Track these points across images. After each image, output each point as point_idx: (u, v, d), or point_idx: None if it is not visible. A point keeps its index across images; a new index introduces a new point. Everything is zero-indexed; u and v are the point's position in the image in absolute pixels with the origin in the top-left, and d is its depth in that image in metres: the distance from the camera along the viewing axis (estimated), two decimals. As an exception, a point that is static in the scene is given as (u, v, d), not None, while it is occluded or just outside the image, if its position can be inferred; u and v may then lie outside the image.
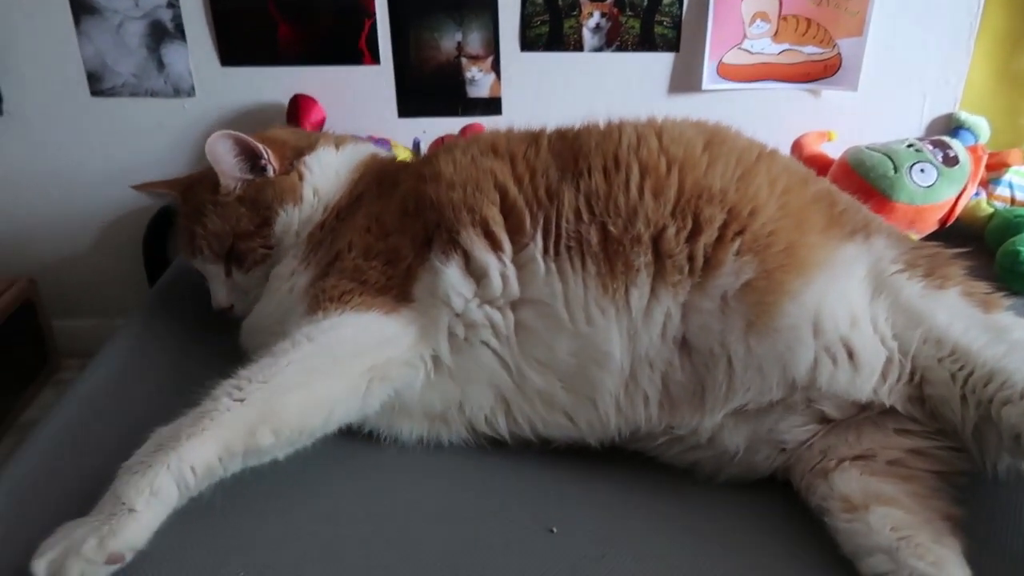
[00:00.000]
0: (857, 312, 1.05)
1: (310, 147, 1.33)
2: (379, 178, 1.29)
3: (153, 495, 0.87)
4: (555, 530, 1.01)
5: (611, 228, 1.07)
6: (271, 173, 1.30)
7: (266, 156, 1.29)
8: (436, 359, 1.11)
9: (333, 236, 1.21)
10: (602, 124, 1.21)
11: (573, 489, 1.10)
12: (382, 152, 1.43)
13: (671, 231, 1.06)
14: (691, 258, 1.06)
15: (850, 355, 1.03)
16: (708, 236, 1.06)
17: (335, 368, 1.04)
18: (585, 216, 1.08)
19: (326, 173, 1.30)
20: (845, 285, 1.06)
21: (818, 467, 1.04)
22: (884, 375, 1.04)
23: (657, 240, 1.06)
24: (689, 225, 1.06)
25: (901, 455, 1.04)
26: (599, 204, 1.08)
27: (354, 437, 1.14)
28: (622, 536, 1.01)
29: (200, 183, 1.33)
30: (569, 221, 1.09)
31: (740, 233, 1.06)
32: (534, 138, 1.20)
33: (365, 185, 1.29)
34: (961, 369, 1.00)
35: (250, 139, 1.28)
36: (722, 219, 1.06)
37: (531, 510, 1.05)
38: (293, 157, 1.31)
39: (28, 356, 2.02)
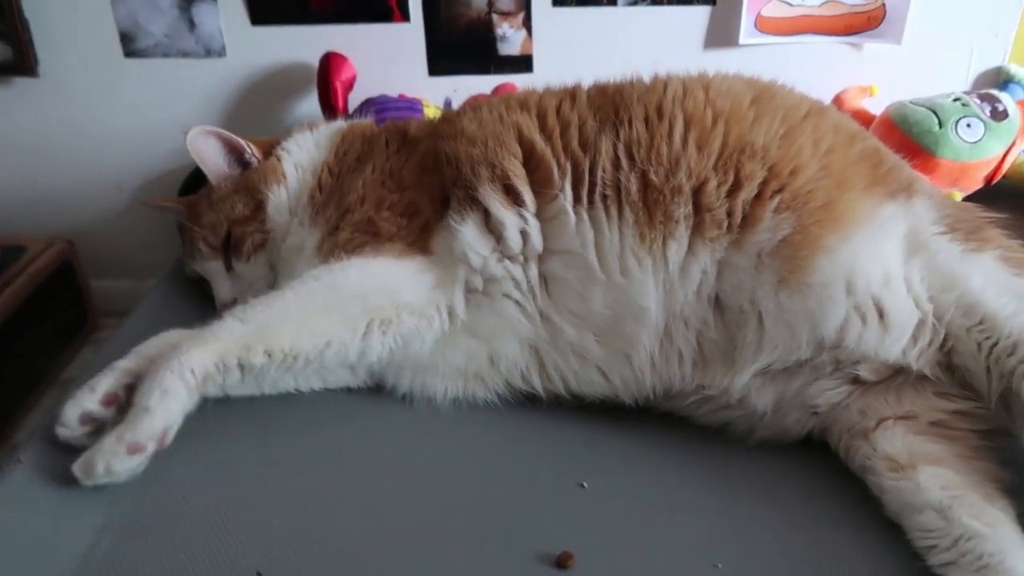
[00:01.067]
0: (891, 271, 1.02)
1: (287, 136, 1.37)
2: (365, 136, 1.30)
3: (163, 394, 0.95)
4: (586, 484, 1.01)
5: (652, 176, 1.05)
6: (255, 164, 1.34)
7: (249, 150, 1.35)
8: (452, 314, 1.11)
9: (339, 194, 1.21)
10: (646, 78, 1.19)
11: (604, 444, 1.09)
12: (361, 120, 1.43)
13: (712, 184, 1.04)
14: (730, 214, 1.04)
15: (880, 315, 1.01)
16: (747, 192, 1.04)
17: (335, 306, 1.06)
18: (625, 164, 1.07)
19: (305, 148, 1.33)
20: (882, 243, 1.03)
21: (858, 428, 1.03)
22: (915, 338, 1.01)
23: (698, 193, 1.05)
24: (730, 180, 1.04)
25: (944, 416, 1.02)
26: (640, 152, 1.06)
27: (388, 396, 1.16)
28: (653, 490, 1.01)
29: (203, 196, 1.36)
30: (606, 170, 1.07)
31: (779, 191, 1.04)
32: (570, 93, 1.18)
33: (349, 144, 1.30)
34: (988, 339, 0.98)
35: (231, 135, 1.34)
36: (762, 176, 1.04)
37: (562, 465, 1.05)
38: (273, 146, 1.36)
39: (67, 316, 2.06)
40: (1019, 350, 0.95)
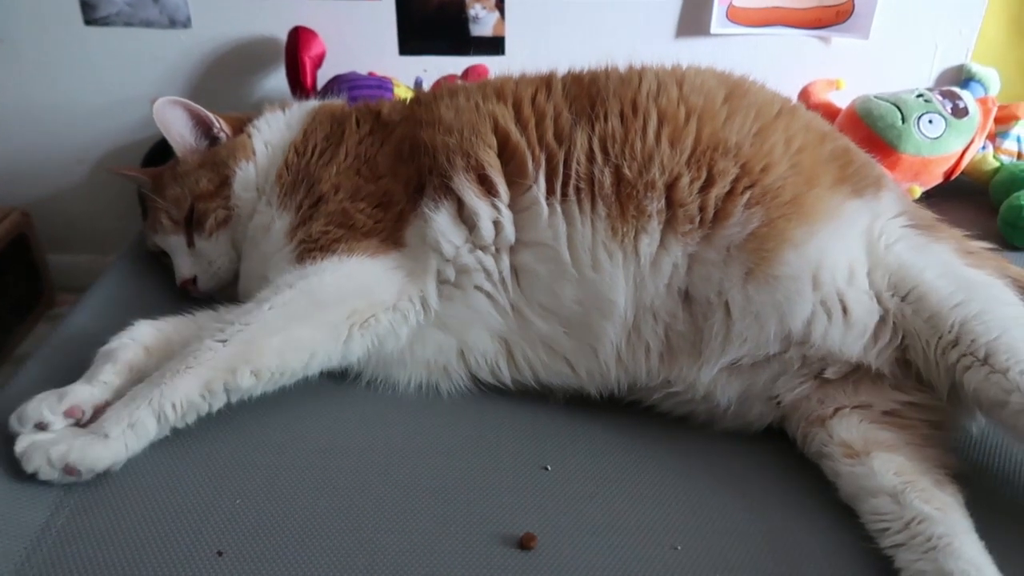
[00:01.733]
0: (855, 265, 1.04)
1: (257, 114, 1.35)
2: (335, 117, 1.28)
3: (130, 427, 0.93)
4: (549, 468, 1.02)
5: (626, 171, 1.06)
6: (224, 139, 1.32)
7: (218, 124, 1.32)
8: (425, 305, 1.10)
9: (310, 178, 1.19)
10: (621, 68, 1.18)
11: (568, 428, 1.10)
12: (333, 101, 1.40)
13: (685, 180, 1.05)
14: (702, 209, 1.05)
15: (844, 311, 1.03)
16: (720, 189, 1.05)
17: (315, 314, 1.05)
18: (599, 158, 1.07)
19: (275, 127, 1.31)
20: (849, 239, 1.05)
21: (815, 415, 1.05)
22: (875, 336, 1.04)
23: (671, 188, 1.05)
24: (703, 176, 1.05)
25: (897, 407, 1.04)
26: (615, 147, 1.07)
27: (352, 379, 1.15)
28: (615, 475, 1.02)
29: (168, 168, 1.34)
30: (580, 163, 1.07)
31: (750, 187, 1.05)
32: (545, 82, 1.18)
33: (319, 123, 1.28)
34: (935, 333, 1.00)
35: (200, 108, 1.31)
36: (735, 173, 1.05)
37: (526, 447, 1.06)
38: (243, 123, 1.33)
39: (23, 290, 2.00)
40: (961, 343, 0.97)
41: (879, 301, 1.04)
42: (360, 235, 1.11)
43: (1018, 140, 1.82)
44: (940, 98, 1.73)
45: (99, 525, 0.88)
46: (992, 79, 1.93)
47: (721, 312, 1.05)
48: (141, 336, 1.08)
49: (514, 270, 1.10)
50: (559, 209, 1.08)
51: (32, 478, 0.91)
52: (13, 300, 1.97)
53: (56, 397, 0.97)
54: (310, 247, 1.12)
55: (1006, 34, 1.98)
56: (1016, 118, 1.81)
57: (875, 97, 1.74)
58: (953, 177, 1.76)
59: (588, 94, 1.12)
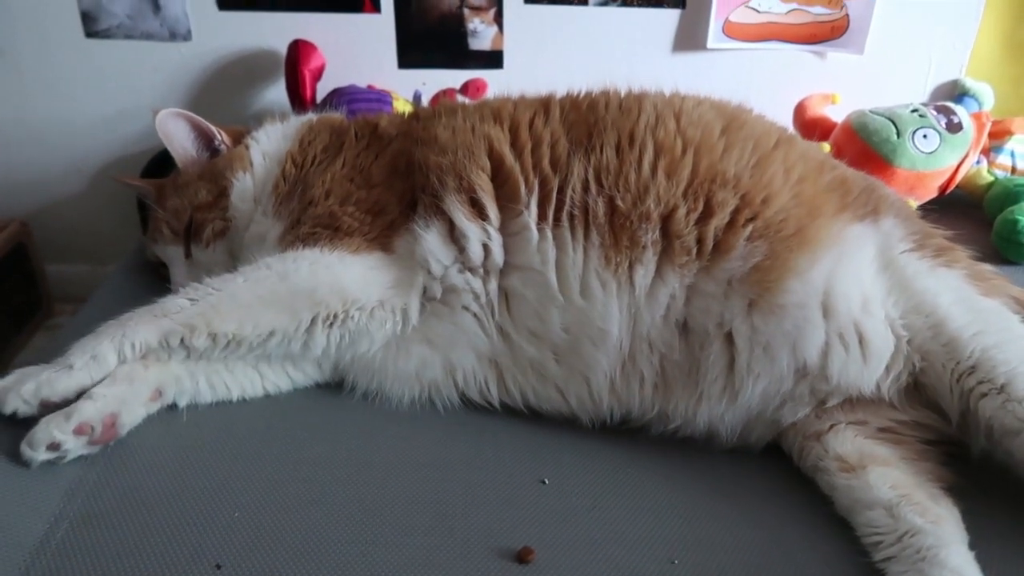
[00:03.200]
0: (868, 293, 1.04)
1: (257, 126, 1.38)
2: (333, 129, 1.30)
3: (93, 359, 0.99)
4: (547, 481, 1.02)
5: (619, 203, 1.06)
6: (224, 151, 1.34)
7: (219, 137, 1.34)
8: (405, 318, 1.11)
9: (304, 186, 1.20)
10: (621, 92, 1.19)
11: (565, 441, 1.10)
12: (331, 114, 1.42)
13: (681, 211, 1.05)
14: (700, 241, 1.05)
15: (861, 341, 1.03)
16: (719, 219, 1.05)
17: (283, 297, 1.06)
18: (593, 188, 1.07)
19: (273, 138, 1.33)
20: (856, 265, 1.05)
21: (812, 431, 1.05)
22: (888, 369, 1.04)
23: (667, 219, 1.06)
24: (700, 207, 1.06)
25: (892, 424, 1.05)
26: (608, 179, 1.07)
27: (348, 391, 1.15)
28: (612, 488, 1.02)
29: (170, 180, 1.35)
30: (576, 191, 1.07)
31: (752, 219, 1.05)
32: (544, 105, 1.18)
33: (315, 134, 1.29)
34: (951, 359, 1.01)
35: (202, 120, 1.33)
36: (735, 204, 1.06)
37: (523, 461, 1.06)
38: (243, 135, 1.36)
39: (21, 300, 2.01)
40: (979, 370, 0.99)
41: (894, 330, 1.04)
42: (344, 234, 1.12)
43: (1012, 155, 1.83)
44: (935, 113, 1.74)
45: (98, 538, 0.88)
46: (986, 94, 1.96)
47: (719, 343, 1.05)
48: None
49: (502, 293, 1.11)
50: (550, 235, 1.08)
51: (33, 490, 0.91)
52: (11, 310, 1.97)
53: (63, 417, 0.95)
54: (295, 243, 1.13)
55: (999, 50, 2.00)
56: (1010, 133, 1.83)
57: (870, 111, 1.76)
58: (948, 191, 1.78)
59: (586, 122, 1.13)
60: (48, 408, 0.96)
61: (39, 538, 0.87)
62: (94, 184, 2.04)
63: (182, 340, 1.02)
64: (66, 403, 0.97)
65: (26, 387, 0.96)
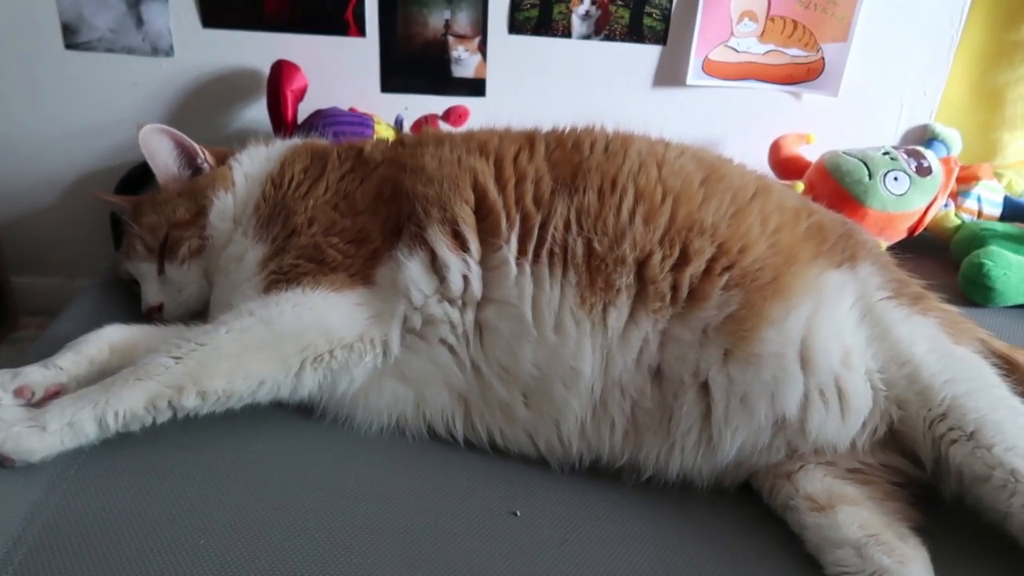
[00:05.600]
0: (849, 345, 1.05)
1: (241, 147, 1.37)
2: (315, 153, 1.29)
3: (69, 425, 0.95)
4: (518, 513, 1.02)
5: (596, 245, 1.07)
6: (207, 170, 1.33)
7: (202, 155, 1.34)
8: (386, 350, 1.10)
9: (286, 210, 1.19)
10: (605, 133, 1.21)
11: (537, 473, 1.10)
12: (316, 140, 1.42)
13: (657, 257, 1.06)
14: (675, 287, 1.06)
15: (841, 397, 1.04)
16: (695, 267, 1.06)
17: (270, 344, 1.05)
18: (574, 228, 1.08)
19: (255, 161, 1.33)
20: (835, 316, 1.06)
21: (782, 470, 1.06)
22: (865, 424, 1.05)
23: (642, 265, 1.06)
24: (676, 254, 1.07)
25: (861, 465, 1.07)
26: (588, 221, 1.08)
27: (318, 418, 1.14)
28: (584, 522, 1.02)
29: (148, 196, 1.34)
30: (557, 229, 1.08)
31: (729, 268, 1.06)
32: (529, 140, 1.19)
33: (297, 156, 1.29)
34: (923, 406, 1.03)
35: (186, 138, 1.32)
36: (711, 252, 1.07)
37: (495, 491, 1.06)
38: (226, 156, 1.35)
39: (-15, 312, 1.97)
40: (949, 417, 1.01)
41: (873, 384, 1.05)
42: (328, 270, 1.12)
43: (978, 200, 1.88)
44: (905, 156, 1.79)
45: (59, 563, 0.85)
46: (954, 140, 2.01)
47: (694, 392, 1.05)
48: (108, 335, 1.12)
49: (477, 325, 1.10)
50: (528, 270, 1.08)
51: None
52: (-25, 322, 1.93)
53: (9, 375, 1.01)
54: (278, 278, 1.13)
55: (968, 97, 2.06)
56: (976, 179, 1.88)
57: (843, 153, 1.80)
58: (916, 233, 1.82)
59: (570, 161, 1.14)
60: (5, 464, 0.94)
61: (-4, 563, 0.85)
62: (66, 197, 2.00)
63: (169, 402, 0.99)
64: (24, 464, 0.94)
65: None
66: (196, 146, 1.33)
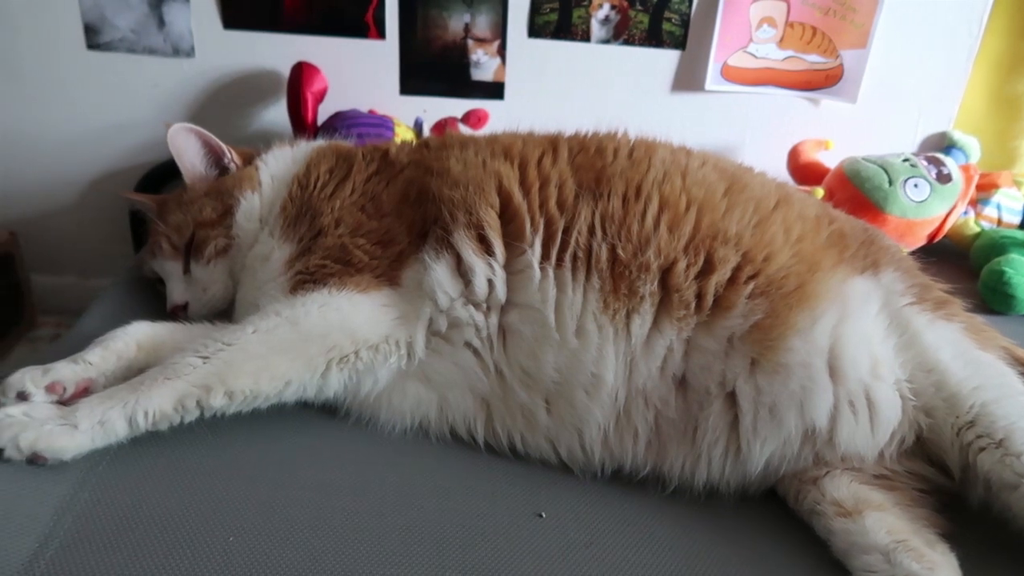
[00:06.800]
0: (878, 355, 1.05)
1: (266, 148, 1.38)
2: (340, 154, 1.29)
3: (100, 424, 0.96)
4: (544, 515, 1.02)
5: (620, 252, 1.07)
6: (233, 170, 1.33)
7: (229, 155, 1.34)
8: (411, 352, 1.10)
9: (312, 210, 1.20)
10: (628, 138, 1.21)
11: (563, 475, 1.10)
12: (340, 141, 1.42)
13: (681, 265, 1.06)
14: (700, 295, 1.06)
15: (871, 408, 1.03)
16: (720, 275, 1.06)
17: (296, 345, 1.05)
18: (598, 234, 1.08)
19: (281, 162, 1.33)
20: (863, 324, 1.06)
21: (808, 475, 1.06)
22: (893, 435, 1.05)
23: (667, 272, 1.06)
24: (700, 263, 1.06)
25: (887, 472, 1.06)
26: (612, 227, 1.08)
27: (342, 417, 1.14)
28: (610, 525, 1.02)
29: (175, 195, 1.35)
30: (581, 234, 1.08)
31: (754, 276, 1.06)
32: (552, 144, 1.19)
33: (322, 157, 1.29)
34: (951, 413, 1.03)
35: (213, 137, 1.33)
36: (736, 261, 1.07)
37: (520, 493, 1.05)
38: (252, 157, 1.36)
39: (5, 310, 1.97)
40: (977, 424, 1.00)
41: (902, 393, 1.04)
42: (354, 271, 1.12)
43: (998, 207, 1.88)
44: (925, 163, 1.78)
45: (89, 560, 0.85)
46: (973, 147, 2.01)
47: (720, 402, 1.05)
48: (135, 331, 1.13)
49: (501, 329, 1.10)
50: (551, 275, 1.08)
51: (22, 507, 0.89)
52: (-6, 319, 1.93)
53: (41, 371, 1.02)
54: (304, 278, 1.13)
55: (987, 104, 2.06)
56: (996, 186, 1.88)
57: (863, 159, 1.80)
58: (936, 240, 1.81)
59: (594, 167, 1.14)
60: (37, 462, 0.94)
61: (27, 557, 0.84)
62: (85, 196, 2.01)
63: (198, 402, 0.99)
64: (57, 462, 0.95)
65: (25, 435, 0.93)
66: (223, 146, 1.33)
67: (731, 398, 1.05)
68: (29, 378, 1.00)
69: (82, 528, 0.89)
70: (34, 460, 0.93)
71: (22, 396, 0.99)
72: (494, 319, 1.10)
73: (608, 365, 1.06)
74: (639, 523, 1.03)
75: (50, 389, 1.00)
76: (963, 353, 1.06)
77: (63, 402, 1.00)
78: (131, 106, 1.92)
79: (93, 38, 1.85)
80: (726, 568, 0.97)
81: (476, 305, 1.10)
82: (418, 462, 1.09)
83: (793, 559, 0.99)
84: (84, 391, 1.03)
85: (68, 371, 1.03)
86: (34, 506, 0.90)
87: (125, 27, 1.84)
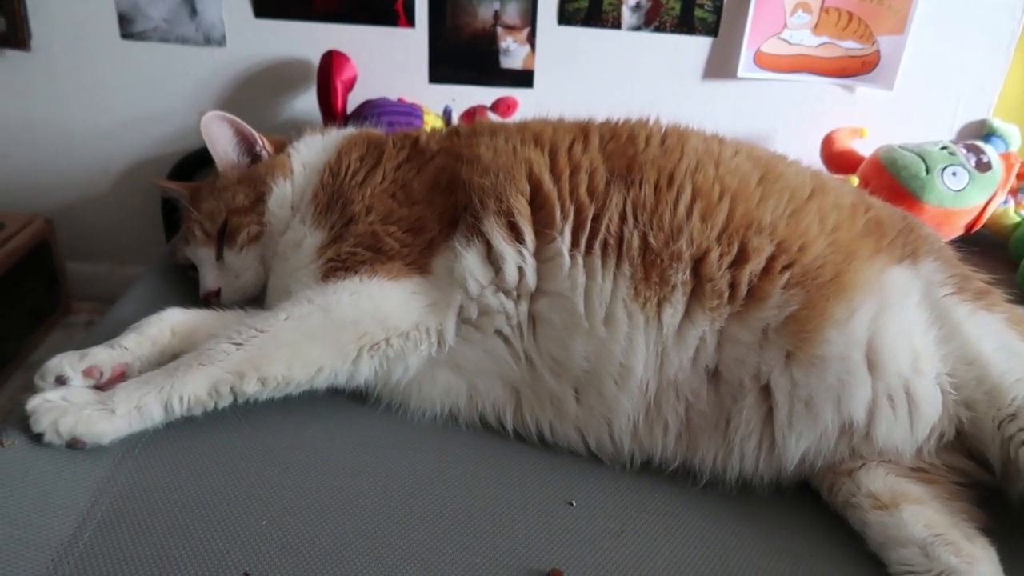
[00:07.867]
0: (919, 348, 1.03)
1: (298, 136, 1.38)
2: (371, 141, 1.29)
3: (137, 409, 0.97)
4: (574, 503, 1.02)
5: (651, 240, 1.06)
6: (265, 158, 1.34)
7: (261, 143, 1.35)
8: (441, 339, 1.10)
9: (343, 198, 1.20)
10: (659, 126, 1.19)
11: (590, 463, 1.10)
12: (371, 129, 1.42)
13: (714, 255, 1.05)
14: (733, 285, 1.04)
15: (910, 403, 1.01)
16: (755, 265, 1.04)
17: (328, 332, 1.06)
18: (629, 221, 1.07)
19: (312, 149, 1.33)
20: (903, 317, 1.04)
21: (843, 467, 1.04)
22: (932, 431, 1.03)
23: (699, 261, 1.05)
24: (734, 252, 1.05)
25: (924, 465, 1.04)
26: (644, 215, 1.07)
27: (373, 403, 1.15)
28: (640, 513, 1.02)
29: (208, 182, 1.36)
30: (612, 221, 1.07)
31: (789, 266, 1.04)
32: (583, 131, 1.18)
33: (353, 145, 1.29)
34: (992, 406, 1.01)
35: (246, 125, 1.34)
36: (770, 250, 1.05)
37: (549, 481, 1.05)
38: (284, 145, 1.36)
39: (40, 297, 2.01)
40: (1020, 417, 0.98)
41: (942, 388, 1.02)
42: (385, 258, 1.12)
43: (1039, 196, 1.83)
44: (964, 151, 1.74)
45: (126, 541, 0.87)
46: (1013, 135, 1.96)
47: (754, 396, 1.04)
48: (169, 317, 1.15)
49: (531, 317, 1.10)
50: (581, 262, 1.07)
51: (59, 490, 0.91)
52: (31, 306, 1.97)
53: (78, 356, 1.03)
54: (336, 266, 1.13)
55: (1028, 92, 2.01)
56: (1037, 175, 1.83)
57: (899, 147, 1.76)
58: (974, 230, 1.77)
59: (625, 154, 1.13)
60: (77, 446, 0.95)
61: (66, 539, 0.86)
62: (120, 185, 2.04)
63: (231, 388, 1.01)
64: (95, 446, 0.96)
65: (65, 420, 0.94)
66: (255, 134, 1.34)
67: (765, 391, 1.03)
68: (67, 362, 1.02)
69: (118, 510, 0.91)
70: (73, 444, 0.95)
71: (60, 380, 1.00)
72: (524, 307, 1.10)
73: (638, 355, 1.05)
74: (669, 513, 1.02)
75: (87, 373, 1.02)
76: (1006, 345, 1.04)
77: (99, 387, 1.02)
78: (164, 95, 1.94)
79: (127, 27, 1.87)
80: (759, 559, 0.96)
81: (506, 293, 1.09)
82: (447, 450, 1.09)
83: (827, 552, 0.99)
84: (120, 376, 1.04)
85: (105, 356, 1.04)
86: (72, 489, 0.92)
87: (158, 16, 1.86)
